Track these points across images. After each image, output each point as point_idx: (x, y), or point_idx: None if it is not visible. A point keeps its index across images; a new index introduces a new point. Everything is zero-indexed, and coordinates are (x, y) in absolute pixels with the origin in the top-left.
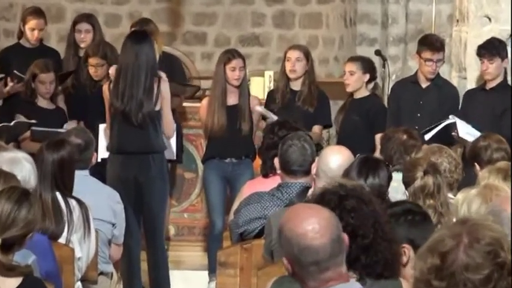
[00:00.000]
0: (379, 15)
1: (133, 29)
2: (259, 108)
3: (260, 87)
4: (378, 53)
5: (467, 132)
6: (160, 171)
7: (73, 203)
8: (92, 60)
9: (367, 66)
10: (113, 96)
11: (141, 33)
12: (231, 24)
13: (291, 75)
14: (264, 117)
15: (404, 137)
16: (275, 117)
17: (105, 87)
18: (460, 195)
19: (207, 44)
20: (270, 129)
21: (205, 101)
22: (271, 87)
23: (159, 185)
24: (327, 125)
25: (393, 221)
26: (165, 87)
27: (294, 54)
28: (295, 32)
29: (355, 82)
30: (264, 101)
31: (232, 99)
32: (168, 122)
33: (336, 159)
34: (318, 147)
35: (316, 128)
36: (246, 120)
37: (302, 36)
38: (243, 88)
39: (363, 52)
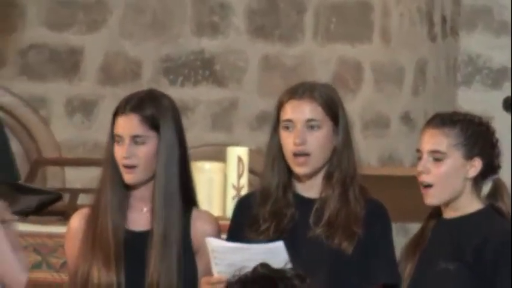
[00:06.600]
0: None
1: None
2: (215, 243)
3: (217, 189)
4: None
5: None
6: None
7: None
8: None
9: (477, 138)
10: None
11: None
12: (142, 27)
13: (298, 168)
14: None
15: None
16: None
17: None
18: None
19: (80, 72)
20: None
21: (77, 221)
22: (243, 187)
23: None
24: (388, 285)
25: None
26: None
27: (300, 112)
28: (304, 48)
29: (446, 179)
30: (230, 224)
31: (138, 218)
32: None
33: None
34: None
35: None
36: (174, 270)
37: (320, 58)
38: (157, 190)
39: (473, 103)
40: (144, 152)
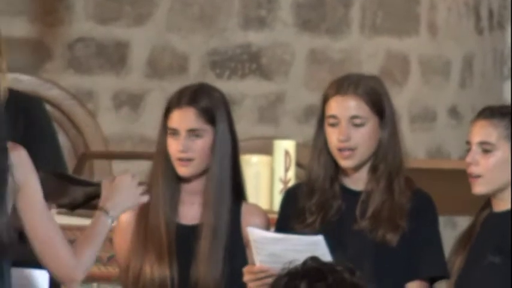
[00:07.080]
0: None
1: None
2: (256, 233)
3: (264, 183)
4: None
5: None
6: None
7: None
8: None
9: None
10: None
11: None
12: (189, 21)
13: (344, 161)
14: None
15: None
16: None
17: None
18: None
19: (127, 65)
20: (287, 286)
21: (127, 215)
22: (290, 181)
23: None
24: (435, 277)
25: None
26: (21, 159)
27: (344, 108)
28: (351, 41)
29: (495, 170)
30: (278, 216)
31: (188, 212)
32: (52, 247)
33: None
34: None
35: None
36: (220, 263)
37: (367, 52)
38: (210, 183)
39: None
40: (200, 145)
